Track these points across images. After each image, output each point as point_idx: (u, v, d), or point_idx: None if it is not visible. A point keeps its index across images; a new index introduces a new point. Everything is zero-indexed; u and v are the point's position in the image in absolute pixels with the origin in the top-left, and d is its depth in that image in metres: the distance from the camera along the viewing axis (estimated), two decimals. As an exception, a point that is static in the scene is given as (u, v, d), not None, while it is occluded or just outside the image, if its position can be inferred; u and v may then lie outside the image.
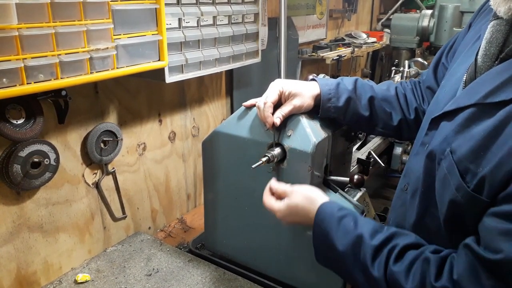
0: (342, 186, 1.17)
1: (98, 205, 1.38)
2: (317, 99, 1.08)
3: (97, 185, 1.36)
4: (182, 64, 1.36)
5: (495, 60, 0.75)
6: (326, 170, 1.14)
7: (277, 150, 1.06)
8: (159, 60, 1.21)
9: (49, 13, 0.92)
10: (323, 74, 1.56)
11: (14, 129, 1.05)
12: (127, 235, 1.50)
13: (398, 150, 2.07)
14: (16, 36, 0.87)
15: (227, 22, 1.53)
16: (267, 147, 1.08)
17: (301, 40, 2.46)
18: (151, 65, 1.18)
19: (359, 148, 1.80)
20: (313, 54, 2.45)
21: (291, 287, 1.20)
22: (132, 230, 1.53)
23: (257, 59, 1.71)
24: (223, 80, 1.84)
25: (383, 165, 1.80)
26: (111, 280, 1.24)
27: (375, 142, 1.91)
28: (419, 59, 2.50)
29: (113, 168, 1.39)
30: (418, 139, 0.92)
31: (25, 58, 0.90)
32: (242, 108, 1.15)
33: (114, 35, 1.06)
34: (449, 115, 0.79)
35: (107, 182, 1.39)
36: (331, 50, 2.55)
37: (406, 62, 2.34)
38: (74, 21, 0.97)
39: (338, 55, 2.46)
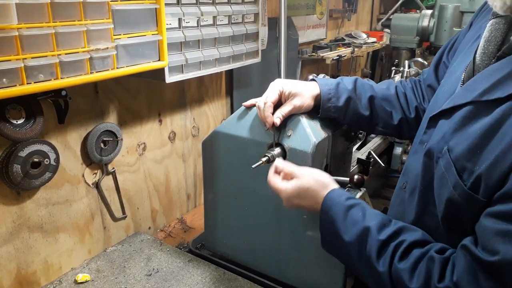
0: (342, 186, 1.16)
1: (98, 205, 1.38)
2: (317, 99, 1.08)
3: (97, 185, 1.36)
4: (182, 64, 1.36)
5: (493, 58, 0.75)
6: (326, 170, 1.14)
7: (277, 150, 1.05)
8: (159, 60, 1.21)
9: (49, 13, 0.92)
10: (323, 74, 1.56)
11: (14, 129, 1.05)
12: (127, 235, 1.50)
13: (398, 150, 2.08)
14: (16, 36, 0.87)
15: (227, 22, 1.53)
16: (267, 147, 1.08)
17: (301, 40, 2.46)
18: (151, 65, 1.18)
19: (359, 148, 1.80)
20: (313, 54, 2.45)
21: (291, 287, 1.20)
22: (132, 230, 1.53)
23: (257, 59, 1.71)
24: (223, 80, 1.84)
25: (383, 165, 1.80)
26: (111, 280, 1.24)
27: (375, 142, 1.91)
28: (419, 59, 2.50)
29: (113, 168, 1.39)
30: (417, 138, 0.92)
31: (25, 58, 0.90)
32: (242, 108, 1.15)
33: (114, 35, 1.06)
34: (447, 113, 0.79)
35: (107, 182, 1.39)
36: (331, 50, 2.55)
37: (406, 62, 2.34)
38: (74, 21, 0.97)
39: (338, 55, 2.46)
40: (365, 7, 3.45)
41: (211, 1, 1.44)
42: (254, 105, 1.12)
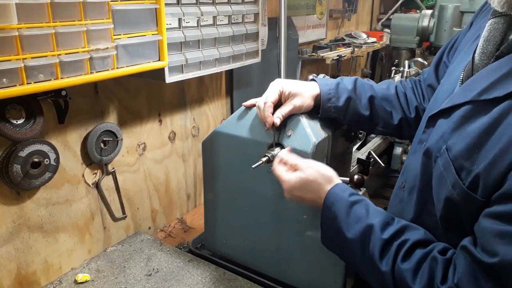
0: (342, 186, 1.17)
1: (98, 205, 1.38)
2: (317, 99, 1.08)
3: (97, 185, 1.36)
4: (182, 64, 1.36)
5: (491, 58, 0.75)
6: (326, 170, 1.14)
7: (277, 150, 1.05)
8: (159, 60, 1.21)
9: (49, 13, 0.92)
10: (323, 74, 1.56)
11: (14, 129, 1.05)
12: (127, 235, 1.50)
13: (398, 150, 2.07)
14: (16, 36, 0.87)
15: (227, 22, 1.53)
16: (267, 147, 1.08)
17: (301, 40, 2.46)
18: (151, 65, 1.18)
19: (359, 148, 1.80)
20: (313, 54, 2.45)
21: (291, 287, 1.20)
22: (132, 230, 1.53)
23: (257, 59, 1.71)
24: (223, 80, 1.84)
25: (383, 165, 1.80)
26: (111, 280, 1.24)
27: (375, 142, 1.91)
28: (419, 59, 2.50)
29: (113, 168, 1.39)
30: (416, 137, 0.92)
31: (25, 58, 0.90)
32: (242, 108, 1.15)
33: (114, 35, 1.06)
34: (445, 113, 0.79)
35: (107, 182, 1.39)
36: (331, 50, 2.55)
37: (406, 62, 2.34)
38: (74, 21, 0.97)
39: (338, 55, 2.46)
40: (365, 7, 3.45)
41: (211, 1, 1.44)
42: (254, 105, 1.12)
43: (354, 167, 1.65)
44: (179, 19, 1.33)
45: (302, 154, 1.03)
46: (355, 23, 3.29)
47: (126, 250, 1.39)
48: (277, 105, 1.06)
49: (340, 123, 1.14)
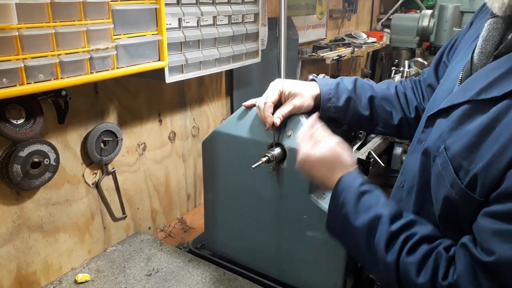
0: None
1: (98, 205, 1.38)
2: (317, 99, 1.08)
3: (97, 185, 1.36)
4: (182, 64, 1.36)
5: (490, 58, 0.75)
6: (326, 170, 1.14)
7: (277, 150, 1.05)
8: (159, 60, 1.21)
9: (49, 13, 0.92)
10: (323, 74, 1.56)
11: (14, 129, 1.05)
12: (127, 235, 1.50)
13: (398, 150, 2.07)
14: (16, 36, 0.87)
15: (227, 22, 1.53)
16: (267, 147, 1.08)
17: (301, 40, 2.46)
18: (151, 65, 1.18)
19: (359, 148, 1.80)
20: (313, 54, 2.45)
21: (291, 287, 1.20)
22: (132, 230, 1.53)
23: (257, 59, 1.71)
24: (223, 80, 1.84)
25: (383, 165, 1.80)
26: (111, 280, 1.24)
27: (375, 142, 1.91)
28: (419, 59, 2.50)
29: (113, 168, 1.39)
30: (416, 137, 0.93)
31: (25, 58, 0.90)
32: (242, 108, 1.15)
33: (114, 35, 1.06)
34: (444, 112, 0.79)
35: (107, 182, 1.39)
36: (331, 50, 2.55)
37: (406, 62, 2.34)
38: (74, 21, 0.97)
39: (338, 55, 2.46)
40: (365, 7, 3.45)
41: (211, 1, 1.44)
42: (254, 105, 1.12)
43: (354, 167, 1.64)
44: (179, 19, 1.33)
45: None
46: (355, 23, 3.29)
47: (126, 250, 1.39)
48: (277, 105, 1.06)
49: (340, 123, 1.14)
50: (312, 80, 1.12)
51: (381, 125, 1.12)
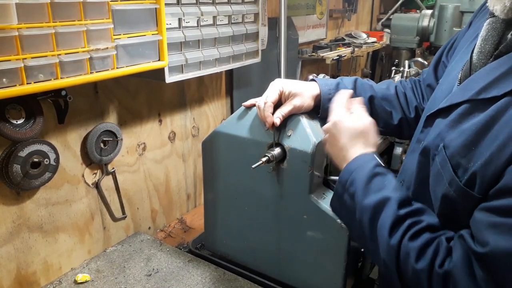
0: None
1: (98, 205, 1.38)
2: (317, 99, 1.08)
3: (97, 185, 1.36)
4: (182, 64, 1.36)
5: (490, 57, 0.75)
6: (326, 170, 1.14)
7: (277, 150, 1.05)
8: (159, 60, 1.21)
9: (49, 13, 0.92)
10: (323, 74, 1.56)
11: (14, 129, 1.05)
12: (127, 235, 1.50)
13: (398, 150, 2.07)
14: (16, 36, 0.87)
15: (227, 22, 1.53)
16: (267, 147, 1.08)
17: (301, 40, 2.46)
18: (151, 65, 1.18)
19: (359, 148, 1.80)
20: (313, 54, 2.45)
21: (291, 287, 1.20)
22: (132, 230, 1.53)
23: (257, 59, 1.71)
24: (223, 80, 1.84)
25: (383, 165, 1.80)
26: (111, 280, 1.24)
27: (375, 142, 1.91)
28: (419, 59, 2.50)
29: (113, 168, 1.39)
30: (415, 137, 0.93)
31: (25, 58, 0.90)
32: (242, 108, 1.15)
33: (114, 35, 1.06)
34: (443, 112, 0.79)
35: (107, 182, 1.39)
36: (331, 50, 2.55)
37: (406, 62, 2.34)
38: (74, 21, 0.97)
39: (338, 55, 2.46)
40: (365, 7, 3.45)
41: (211, 1, 1.44)
42: (254, 105, 1.11)
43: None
44: (179, 19, 1.33)
45: (302, 154, 1.03)
46: (355, 23, 3.29)
47: (126, 250, 1.39)
48: (277, 105, 1.06)
49: (340, 123, 1.14)
50: (312, 80, 1.12)
51: (381, 125, 1.12)
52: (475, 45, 0.80)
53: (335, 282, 1.10)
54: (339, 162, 0.92)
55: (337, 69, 2.62)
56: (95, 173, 1.35)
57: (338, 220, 1.02)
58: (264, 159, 1.03)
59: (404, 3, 3.51)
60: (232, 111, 1.90)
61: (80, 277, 1.24)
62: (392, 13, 3.34)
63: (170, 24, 1.28)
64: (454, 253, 0.70)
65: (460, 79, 0.82)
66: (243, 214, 1.22)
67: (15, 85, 0.90)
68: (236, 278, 1.25)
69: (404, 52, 2.70)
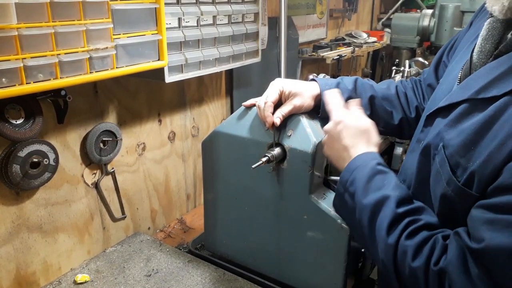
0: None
1: (97, 205, 1.38)
2: (317, 99, 1.08)
3: (96, 185, 1.35)
4: (182, 64, 1.36)
5: (490, 57, 0.75)
6: (327, 170, 1.14)
7: (277, 150, 1.05)
8: (158, 59, 1.20)
9: (49, 13, 0.92)
10: (323, 74, 1.55)
11: (13, 129, 1.05)
12: (127, 236, 1.49)
13: (398, 150, 2.07)
14: (15, 36, 0.87)
15: (227, 22, 1.52)
16: (267, 147, 1.08)
17: (301, 40, 2.46)
18: (151, 65, 1.18)
19: (359, 148, 1.79)
20: (313, 53, 2.44)
21: (291, 287, 1.20)
22: (132, 231, 1.53)
23: (257, 59, 1.71)
24: (223, 80, 1.84)
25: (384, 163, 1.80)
26: (110, 280, 1.24)
27: (375, 142, 1.91)
28: (420, 59, 2.50)
29: (113, 168, 1.39)
30: (415, 136, 0.93)
31: (25, 58, 0.90)
32: (242, 108, 1.15)
33: (113, 34, 1.06)
34: (443, 111, 0.79)
35: (106, 182, 1.39)
36: (331, 50, 2.55)
37: (407, 61, 2.34)
38: (73, 20, 0.97)
39: (338, 55, 2.46)
40: (366, 7, 3.45)
41: (211, 1, 1.44)
42: (254, 105, 1.11)
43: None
44: (179, 19, 1.33)
45: (302, 154, 1.03)
46: (355, 23, 3.29)
47: (126, 251, 1.39)
48: (277, 105, 1.06)
49: (341, 123, 1.13)
50: (312, 80, 1.12)
51: (382, 125, 1.12)
52: (476, 44, 0.80)
53: (335, 283, 1.10)
54: (340, 162, 0.92)
55: (338, 68, 2.62)
56: (95, 173, 1.34)
57: (338, 220, 1.02)
58: (264, 159, 1.03)
59: (405, 3, 3.51)
60: (232, 111, 1.90)
61: (80, 278, 1.24)
62: (393, 13, 3.34)
63: (170, 23, 1.28)
64: (450, 250, 0.70)
65: (460, 78, 0.82)
66: (243, 214, 1.21)
67: (15, 85, 0.90)
68: (236, 279, 1.24)
69: (404, 51, 2.70)
